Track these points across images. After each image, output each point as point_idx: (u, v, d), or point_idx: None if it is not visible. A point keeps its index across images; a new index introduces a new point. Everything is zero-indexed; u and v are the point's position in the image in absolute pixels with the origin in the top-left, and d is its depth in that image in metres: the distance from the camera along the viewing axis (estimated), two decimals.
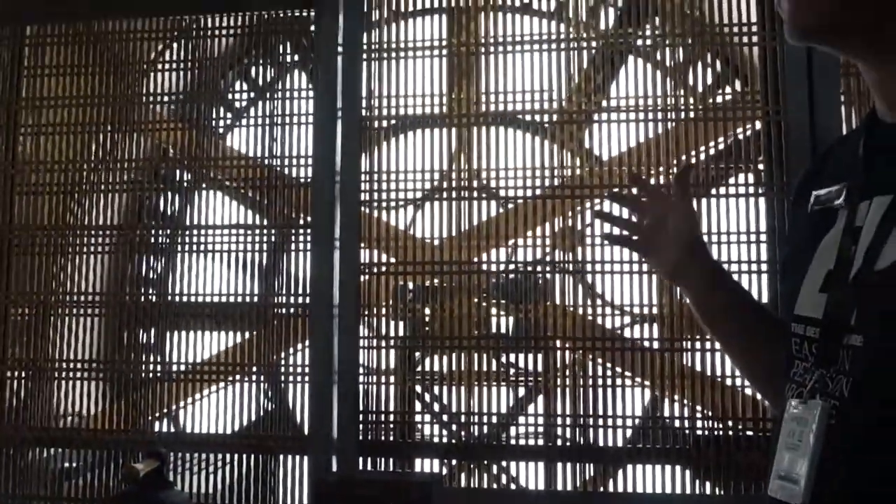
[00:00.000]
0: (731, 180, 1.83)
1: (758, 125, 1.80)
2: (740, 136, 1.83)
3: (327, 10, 1.83)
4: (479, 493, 1.86)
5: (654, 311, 1.82)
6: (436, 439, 1.91)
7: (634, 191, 1.03)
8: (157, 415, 2.03)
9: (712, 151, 1.85)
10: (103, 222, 2.08)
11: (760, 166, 1.80)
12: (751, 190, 1.77)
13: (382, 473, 1.79)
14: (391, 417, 1.87)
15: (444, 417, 1.92)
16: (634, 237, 1.01)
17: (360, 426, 1.86)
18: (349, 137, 1.88)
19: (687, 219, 0.95)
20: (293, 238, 1.98)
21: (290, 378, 1.95)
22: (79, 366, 2.05)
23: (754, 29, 1.80)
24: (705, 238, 1.71)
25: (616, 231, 1.02)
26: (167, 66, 2.10)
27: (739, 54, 1.90)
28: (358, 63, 1.89)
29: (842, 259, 0.63)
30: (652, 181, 1.21)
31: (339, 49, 1.86)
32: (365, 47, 1.91)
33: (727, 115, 1.84)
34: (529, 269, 1.92)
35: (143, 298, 2.08)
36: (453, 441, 1.89)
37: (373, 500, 1.54)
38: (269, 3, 1.89)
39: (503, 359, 1.92)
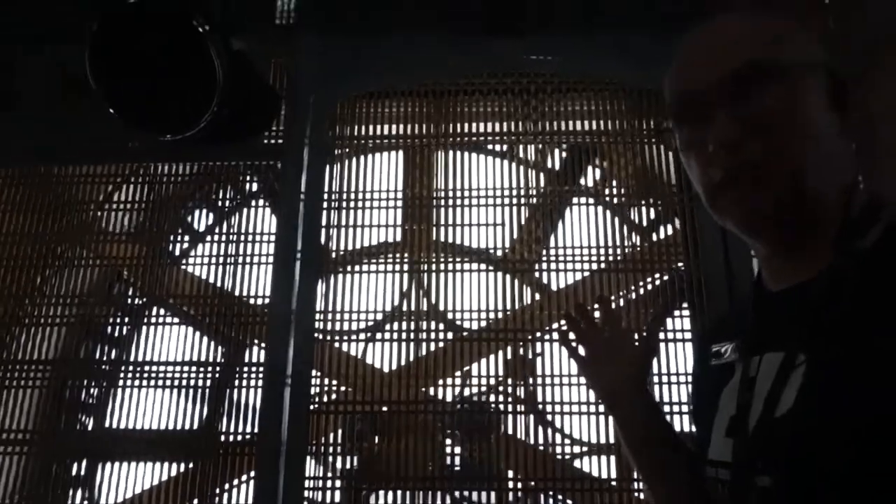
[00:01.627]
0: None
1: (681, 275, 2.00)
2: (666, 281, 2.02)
3: (292, 162, 1.99)
4: None
5: (608, 446, 1.87)
6: None
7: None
8: None
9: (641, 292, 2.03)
10: (37, 357, 2.04)
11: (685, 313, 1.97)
12: (678, 336, 1.92)
13: None
14: None
15: None
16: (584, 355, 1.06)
17: None
18: (307, 278, 1.97)
19: (641, 364, 1.02)
20: (245, 372, 2.00)
21: None
22: None
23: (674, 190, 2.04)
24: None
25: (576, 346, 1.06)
26: (119, 206, 2.16)
27: (662, 211, 2.12)
28: (318, 209, 2.03)
29: (741, 407, 0.71)
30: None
31: (302, 196, 2.00)
32: (326, 195, 2.05)
33: (653, 265, 2.02)
34: (482, 402, 1.97)
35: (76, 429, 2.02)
36: None
37: None
38: (239, 155, 2.03)
39: (456, 496, 1.91)
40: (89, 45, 1.55)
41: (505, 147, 2.13)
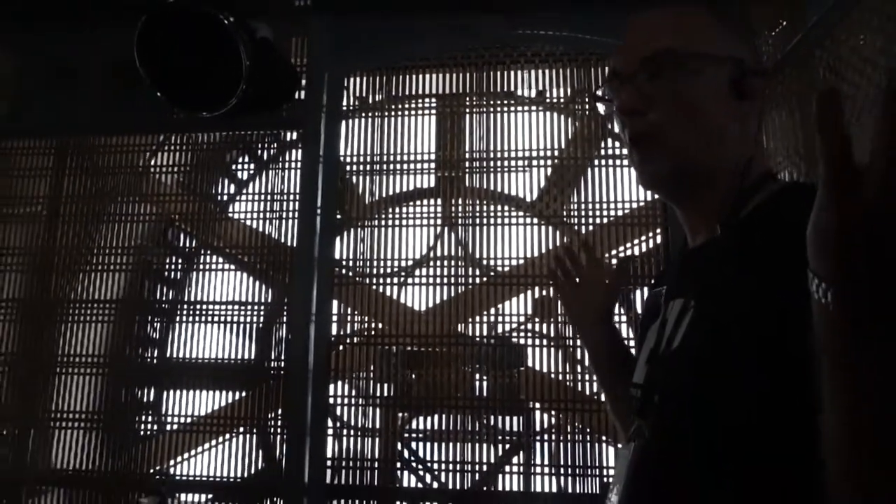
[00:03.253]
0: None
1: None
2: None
3: (311, 130, 2.27)
4: None
5: None
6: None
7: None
8: (156, 469, 2.28)
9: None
10: (106, 296, 2.40)
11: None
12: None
13: None
14: (366, 464, 2.16)
15: (419, 468, 2.17)
16: (566, 287, 1.21)
17: (342, 472, 2.15)
18: (327, 230, 2.28)
19: (610, 296, 1.18)
20: (284, 310, 2.31)
21: (279, 432, 2.23)
22: (76, 416, 2.31)
23: None
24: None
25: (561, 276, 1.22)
26: (162, 169, 2.46)
27: None
28: (334, 170, 2.31)
29: (657, 341, 0.85)
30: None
31: (320, 159, 2.29)
32: (356, 156, 2.33)
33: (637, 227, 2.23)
34: (509, 338, 2.19)
35: (144, 359, 2.38)
36: (418, 486, 2.15)
37: None
38: (266, 125, 2.32)
39: (485, 420, 2.15)
40: (137, 38, 1.85)
41: (536, 109, 2.30)
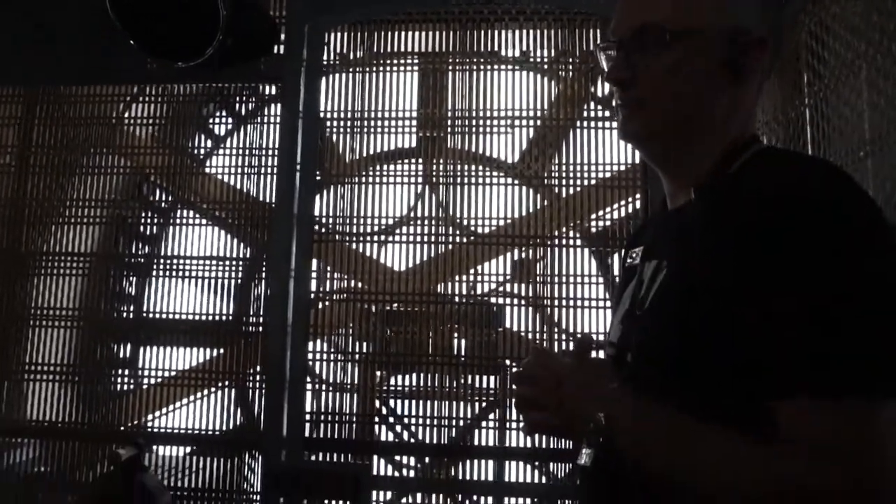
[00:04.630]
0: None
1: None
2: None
3: (290, 84, 2.22)
4: (397, 480, 2.21)
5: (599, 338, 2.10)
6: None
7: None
8: (133, 423, 2.29)
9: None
10: (79, 250, 2.37)
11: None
12: None
13: (320, 463, 2.13)
14: (345, 419, 2.19)
15: (392, 420, 2.22)
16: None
17: (320, 426, 2.19)
18: (306, 186, 2.26)
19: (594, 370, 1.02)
20: (262, 266, 2.30)
21: (257, 386, 2.23)
22: (50, 368, 2.30)
23: None
24: None
25: None
26: (136, 121, 2.42)
27: None
28: (315, 125, 2.28)
29: (633, 301, 0.87)
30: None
31: (300, 114, 2.26)
32: (337, 112, 2.29)
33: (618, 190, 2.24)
34: (487, 299, 2.21)
35: (119, 314, 2.38)
36: (382, 439, 2.20)
37: (312, 484, 1.89)
38: (245, 78, 2.27)
39: (461, 379, 2.18)
40: None
41: (519, 69, 2.27)
